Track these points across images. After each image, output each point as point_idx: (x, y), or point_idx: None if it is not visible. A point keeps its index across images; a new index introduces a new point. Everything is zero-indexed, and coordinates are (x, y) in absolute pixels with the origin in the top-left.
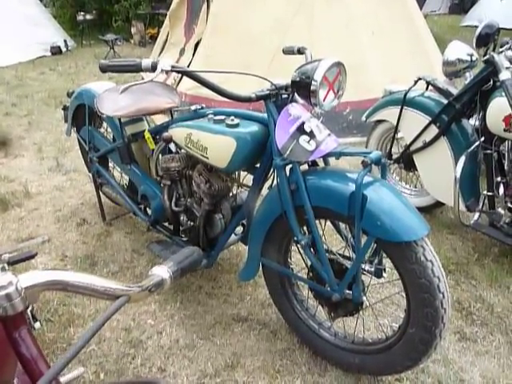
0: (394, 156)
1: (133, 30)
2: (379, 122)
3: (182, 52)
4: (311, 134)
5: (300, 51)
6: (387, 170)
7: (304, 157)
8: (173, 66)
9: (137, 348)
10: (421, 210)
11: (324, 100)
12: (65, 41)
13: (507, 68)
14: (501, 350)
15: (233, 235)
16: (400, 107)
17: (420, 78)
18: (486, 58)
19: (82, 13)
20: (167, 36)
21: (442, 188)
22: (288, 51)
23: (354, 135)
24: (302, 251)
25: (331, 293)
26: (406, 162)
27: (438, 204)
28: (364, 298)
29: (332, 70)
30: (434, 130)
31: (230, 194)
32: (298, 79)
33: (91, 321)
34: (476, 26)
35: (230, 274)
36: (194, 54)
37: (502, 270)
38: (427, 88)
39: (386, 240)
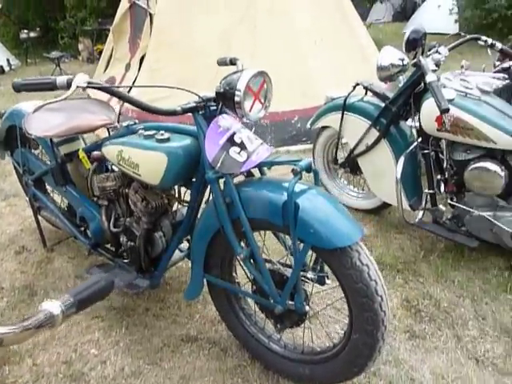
0: (340, 161)
1: (80, 47)
2: (324, 128)
3: (127, 67)
4: (242, 145)
5: (232, 62)
6: (319, 177)
7: (235, 168)
8: (89, 83)
9: (78, 381)
10: (369, 211)
11: (250, 110)
12: (7, 60)
13: (433, 70)
14: (448, 345)
15: (178, 252)
16: (341, 113)
17: (358, 84)
18: (414, 61)
19: (25, 30)
20: (112, 51)
21: (387, 189)
22: (221, 63)
23: (304, 142)
24: (242, 264)
25: (274, 305)
26: (352, 165)
27: (386, 205)
28: (307, 308)
29: (256, 80)
30: (374, 134)
31: (171, 211)
32: (221, 90)
33: (29, 357)
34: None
35: (179, 292)
36: (139, 69)
37: (447, 265)
38: (366, 93)
39: (320, 247)
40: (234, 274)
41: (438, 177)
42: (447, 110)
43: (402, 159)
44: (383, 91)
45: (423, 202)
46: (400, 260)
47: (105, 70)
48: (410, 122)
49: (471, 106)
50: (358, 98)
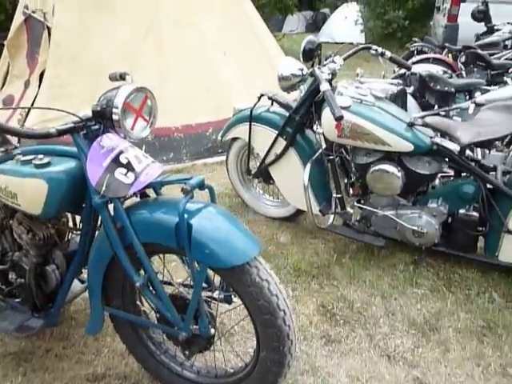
0: (253, 171)
1: None
2: (234, 139)
3: (27, 84)
4: (129, 166)
5: (122, 77)
6: (215, 193)
7: (123, 191)
8: None
9: None
10: (286, 219)
11: (133, 129)
12: None
13: (327, 79)
14: (362, 345)
15: (79, 284)
16: (249, 124)
17: (263, 94)
18: (309, 71)
19: None
20: (8, 67)
21: (298, 196)
22: (112, 77)
23: (220, 154)
24: (141, 293)
25: (178, 332)
26: (264, 175)
27: (301, 211)
28: (213, 331)
29: (136, 96)
30: (282, 143)
31: (63, 241)
32: (98, 108)
33: None
34: (328, 42)
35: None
36: (40, 86)
37: (358, 266)
38: (272, 103)
39: (217, 267)
40: (138, 303)
41: (345, 181)
42: (341, 118)
43: (308, 166)
44: (287, 101)
45: (333, 207)
46: (315, 265)
47: (1, 88)
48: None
49: (366, 112)
50: (265, 108)
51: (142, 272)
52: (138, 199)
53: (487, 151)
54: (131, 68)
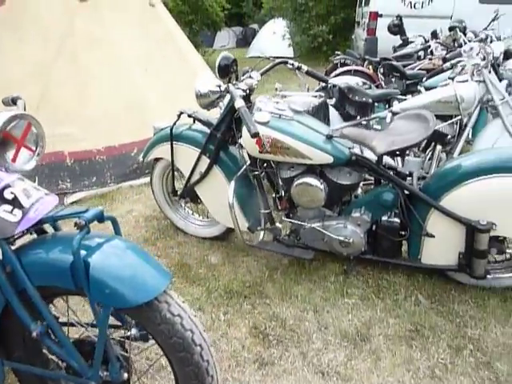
0: (180, 191)
1: None
2: (157, 159)
3: None
4: (15, 202)
5: (14, 101)
6: (119, 224)
7: (9, 231)
8: None
9: None
10: (217, 238)
11: (14, 160)
12: None
13: (241, 96)
14: (296, 364)
15: None
16: (170, 143)
17: (182, 112)
18: (224, 88)
19: None
20: None
21: (227, 214)
22: (5, 102)
23: (147, 175)
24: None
25: (86, 382)
26: (191, 195)
27: (232, 229)
28: (126, 375)
29: (17, 124)
30: (205, 161)
31: None
32: None
33: None
34: (259, 57)
35: None
36: None
37: (290, 281)
38: (194, 121)
39: (121, 307)
40: (44, 351)
41: (273, 195)
42: (257, 134)
43: (232, 183)
44: (207, 118)
45: (262, 223)
46: (247, 284)
47: None
48: None
49: (285, 127)
50: (186, 126)
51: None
52: (34, 236)
53: (406, 157)
54: (46, 88)
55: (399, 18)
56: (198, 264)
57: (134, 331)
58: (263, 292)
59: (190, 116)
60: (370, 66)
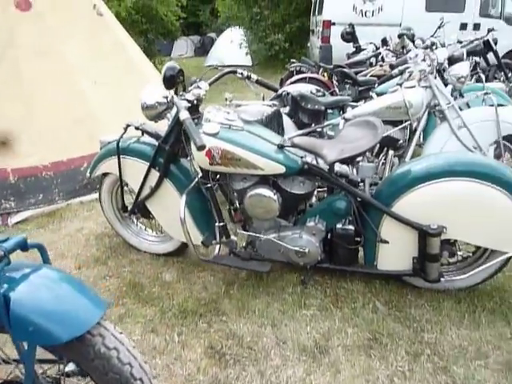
0: (130, 207)
1: None
2: (105, 174)
3: None
4: None
5: None
6: (47, 253)
7: None
8: None
9: None
10: (171, 254)
11: None
12: None
13: (186, 107)
14: None
15: None
16: (117, 157)
17: (129, 125)
18: (169, 99)
19: None
20: None
21: (180, 229)
22: None
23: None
24: None
25: None
26: (142, 210)
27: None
28: None
29: None
30: (155, 174)
31: None
32: None
33: None
34: (217, 65)
35: None
36: None
37: (247, 296)
38: (143, 133)
39: (47, 345)
40: None
41: (228, 207)
42: (203, 147)
43: (183, 197)
44: (155, 130)
45: (217, 236)
46: (203, 301)
47: None
48: None
49: (235, 138)
50: (133, 139)
51: None
52: None
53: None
54: None
55: (351, 26)
56: (151, 283)
57: (71, 366)
58: (219, 309)
59: (137, 128)
60: (325, 73)
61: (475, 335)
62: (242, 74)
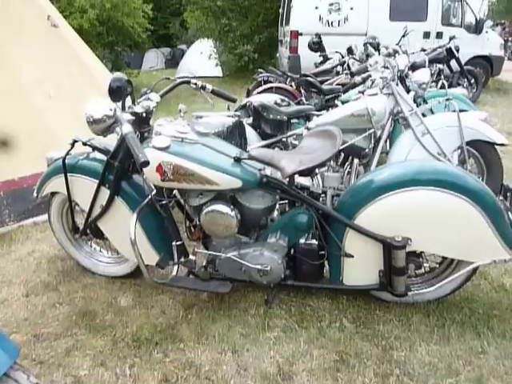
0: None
1: None
2: (54, 194)
3: None
4: None
5: None
6: None
7: None
8: None
9: None
10: (129, 275)
11: None
12: None
13: (129, 120)
14: None
15: None
16: (64, 175)
17: (76, 140)
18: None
19: None
20: None
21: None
22: None
23: None
24: None
25: None
26: (95, 231)
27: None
28: None
29: None
30: (106, 193)
31: None
32: None
33: None
34: (188, 77)
35: None
36: None
37: (207, 319)
38: (93, 149)
39: None
40: None
41: (187, 224)
42: (146, 164)
43: (134, 216)
44: (105, 145)
45: (175, 256)
46: (159, 328)
47: None
48: None
49: (188, 151)
50: (82, 155)
51: None
52: None
53: (326, 173)
54: None
55: (318, 35)
56: (104, 309)
57: None
58: (177, 335)
59: (84, 144)
60: (293, 83)
61: (445, 350)
62: (195, 84)
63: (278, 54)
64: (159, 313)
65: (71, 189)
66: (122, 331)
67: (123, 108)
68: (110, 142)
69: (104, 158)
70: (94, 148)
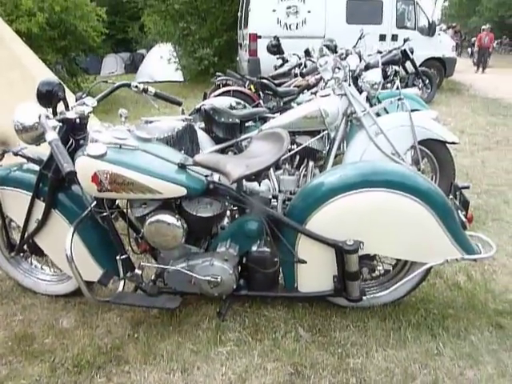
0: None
1: None
2: None
3: None
4: None
5: None
6: None
7: None
8: None
9: None
10: (73, 293)
11: None
12: None
13: (54, 127)
14: None
15: None
16: None
17: (6, 150)
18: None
19: None
20: None
21: (78, 265)
22: None
23: None
24: None
25: None
26: (32, 247)
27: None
28: None
29: None
30: (41, 206)
31: None
32: None
33: None
34: (148, 82)
35: None
36: None
37: (155, 337)
38: (27, 159)
39: None
40: None
41: (131, 236)
42: (71, 174)
43: (71, 230)
44: (38, 155)
45: (121, 271)
46: (104, 349)
47: None
48: None
49: (126, 159)
50: (14, 167)
51: None
52: None
53: (281, 177)
54: None
55: (277, 38)
56: (44, 332)
57: None
58: (122, 357)
59: (15, 154)
60: (251, 86)
61: (402, 355)
62: (136, 87)
63: (238, 58)
64: (105, 332)
65: (3, 203)
66: (61, 355)
67: (54, 114)
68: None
69: (37, 168)
70: (26, 158)
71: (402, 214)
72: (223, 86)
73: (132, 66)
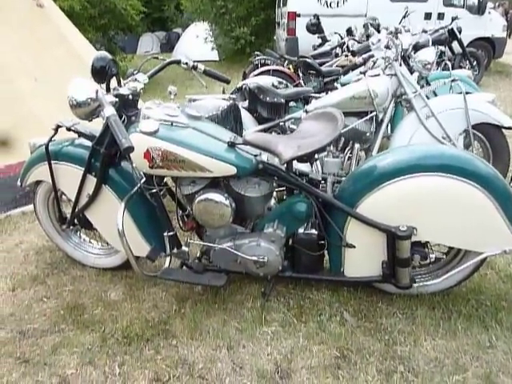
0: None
1: None
2: (38, 182)
3: None
4: None
5: None
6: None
7: None
8: None
9: None
10: (120, 267)
11: None
12: None
13: (112, 102)
14: None
15: None
16: (47, 162)
17: (60, 126)
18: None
19: None
20: None
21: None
22: None
23: None
24: None
25: None
26: (82, 221)
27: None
28: None
29: None
30: (92, 181)
31: None
32: None
33: None
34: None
35: None
36: None
37: (201, 313)
38: (79, 135)
39: None
40: None
41: (180, 213)
42: (130, 149)
43: (122, 206)
44: (90, 130)
45: (167, 247)
46: (151, 323)
47: None
48: None
49: (178, 136)
50: (67, 141)
51: None
52: None
53: (325, 159)
54: None
55: (316, 17)
56: (94, 303)
57: None
58: (170, 331)
59: (68, 129)
60: (290, 66)
61: (452, 345)
62: (186, 64)
63: (275, 37)
64: (151, 307)
65: (56, 177)
66: (111, 327)
67: (108, 90)
68: (98, 126)
69: (89, 144)
70: (79, 133)
71: (459, 199)
72: (261, 65)
73: (168, 45)
